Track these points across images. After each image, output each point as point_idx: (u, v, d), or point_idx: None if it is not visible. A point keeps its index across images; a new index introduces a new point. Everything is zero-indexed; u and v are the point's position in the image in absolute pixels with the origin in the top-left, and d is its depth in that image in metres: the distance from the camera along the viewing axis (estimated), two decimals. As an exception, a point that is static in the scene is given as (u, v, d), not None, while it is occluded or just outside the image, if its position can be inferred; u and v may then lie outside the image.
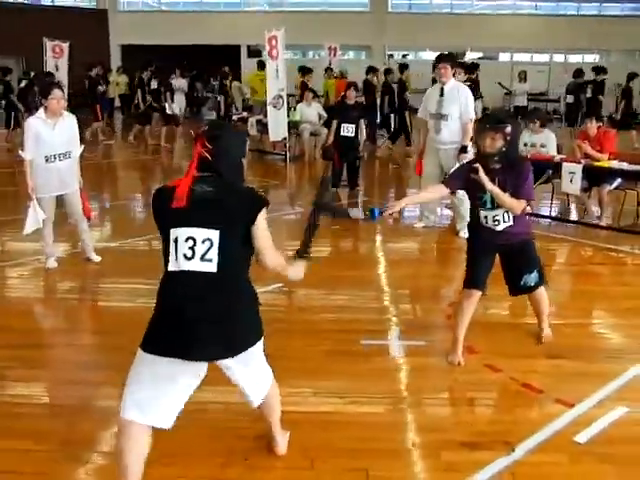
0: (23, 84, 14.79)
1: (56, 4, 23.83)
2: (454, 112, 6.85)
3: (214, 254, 2.54)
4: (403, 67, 14.65)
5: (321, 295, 5.42)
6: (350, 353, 4.31)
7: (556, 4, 24.76)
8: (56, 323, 5.14)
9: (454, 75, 7.11)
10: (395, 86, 14.36)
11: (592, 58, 25.39)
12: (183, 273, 2.55)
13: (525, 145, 8.00)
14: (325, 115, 12.55)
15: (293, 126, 12.15)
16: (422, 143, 7.31)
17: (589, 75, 16.16)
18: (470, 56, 25.32)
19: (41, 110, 5.69)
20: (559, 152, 7.91)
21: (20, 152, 5.74)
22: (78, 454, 3.20)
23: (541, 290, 4.29)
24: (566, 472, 3.13)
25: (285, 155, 11.80)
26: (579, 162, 7.20)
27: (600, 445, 3.32)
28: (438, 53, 7.76)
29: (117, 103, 19.57)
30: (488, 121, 4.03)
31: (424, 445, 3.32)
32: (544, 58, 24.59)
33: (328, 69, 16.69)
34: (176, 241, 2.55)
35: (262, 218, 2.63)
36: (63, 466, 3.13)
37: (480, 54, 25.58)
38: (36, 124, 5.65)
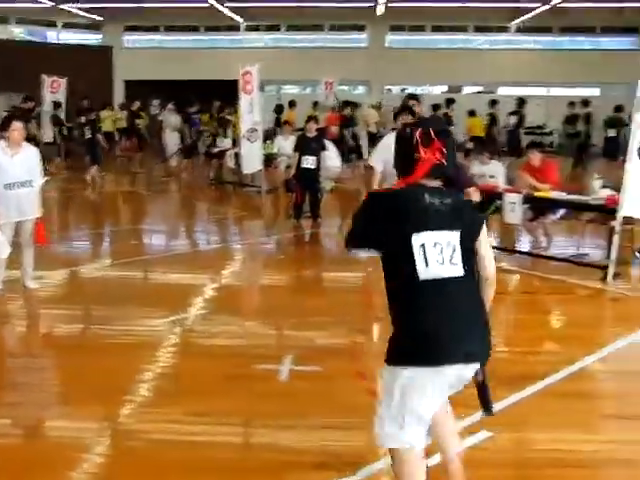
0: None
1: (61, 42, 24.54)
2: None
3: (458, 258, 2.47)
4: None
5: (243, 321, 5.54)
6: (241, 377, 4.36)
7: (553, 39, 24.95)
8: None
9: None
10: None
11: (591, 92, 25.49)
12: (439, 279, 2.44)
13: (474, 175, 8.10)
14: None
15: (270, 159, 12.34)
16: None
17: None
18: (467, 90, 25.62)
19: (2, 141, 5.98)
20: (510, 183, 7.97)
21: None
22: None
23: None
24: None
25: (260, 187, 11.97)
26: (519, 192, 7.25)
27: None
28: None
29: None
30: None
31: (271, 466, 3.36)
32: (541, 92, 24.67)
33: (315, 103, 17.01)
34: (423, 247, 2.43)
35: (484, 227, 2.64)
36: None
37: (480, 88, 25.81)
38: None
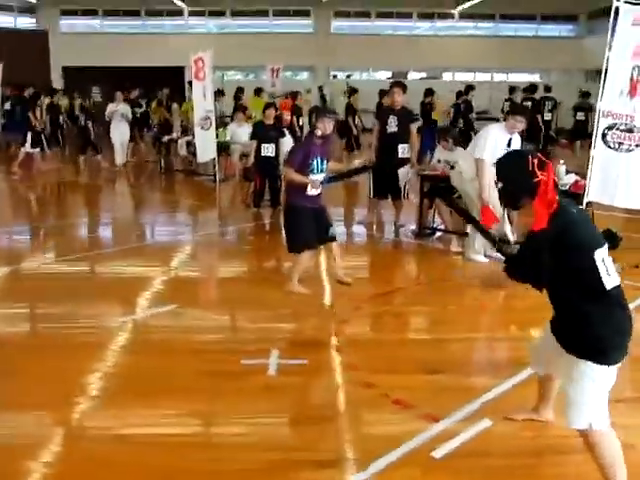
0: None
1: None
2: None
3: (612, 269, 2.82)
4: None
5: (213, 315, 5.37)
6: (226, 373, 4.22)
7: (495, 25, 25.33)
8: None
9: None
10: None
11: (533, 77, 26.03)
12: (615, 288, 2.80)
13: (439, 161, 8.09)
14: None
15: (224, 147, 12.09)
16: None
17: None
18: (413, 76, 25.77)
19: None
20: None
21: None
22: None
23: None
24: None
25: (214, 176, 11.72)
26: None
27: (457, 459, 3.30)
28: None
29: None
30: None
31: (274, 465, 3.25)
32: (486, 77, 25.04)
33: (258, 90, 16.80)
34: (603, 261, 2.77)
35: None
36: None
37: (423, 74, 26.02)
38: None
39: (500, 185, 2.98)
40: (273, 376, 4.21)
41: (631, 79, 6.48)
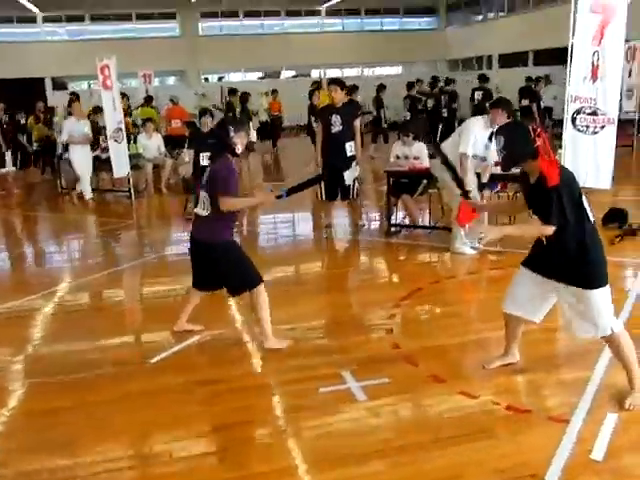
0: None
1: None
2: None
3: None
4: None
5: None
6: (317, 408, 3.86)
7: (361, 20, 25.84)
8: None
9: None
10: None
11: (396, 70, 26.88)
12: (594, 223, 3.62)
13: (398, 157, 8.04)
14: (163, 149, 12.02)
15: (135, 159, 11.34)
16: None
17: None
18: (285, 74, 25.71)
19: None
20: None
21: None
22: None
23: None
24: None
25: (129, 191, 10.92)
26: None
27: (617, 459, 3.21)
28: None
29: None
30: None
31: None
32: (355, 72, 25.45)
33: (148, 98, 16.03)
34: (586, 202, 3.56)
35: None
36: None
37: (294, 72, 26.03)
38: None
39: (505, 150, 3.55)
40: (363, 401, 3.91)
41: (592, 64, 6.76)
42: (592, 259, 3.54)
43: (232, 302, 5.49)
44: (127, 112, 13.42)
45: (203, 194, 4.51)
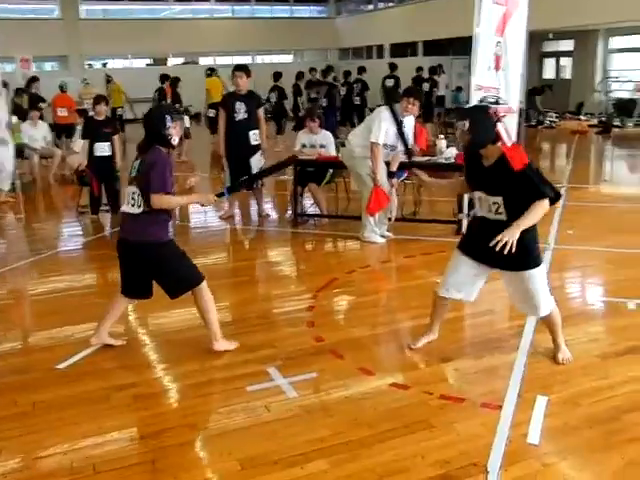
0: None
1: None
2: None
3: None
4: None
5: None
6: (248, 409, 3.67)
7: (252, 7, 25.47)
8: None
9: None
10: None
11: (288, 58, 26.78)
12: None
13: (304, 146, 7.92)
14: (50, 138, 11.32)
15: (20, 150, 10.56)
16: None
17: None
18: (173, 62, 24.97)
19: None
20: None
21: None
22: None
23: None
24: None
25: (13, 184, 10.13)
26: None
27: (554, 441, 3.26)
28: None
29: None
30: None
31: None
32: (246, 60, 25.12)
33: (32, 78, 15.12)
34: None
35: None
36: None
37: (182, 59, 25.35)
38: None
39: (470, 133, 3.65)
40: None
41: (495, 54, 6.92)
42: (536, 239, 3.77)
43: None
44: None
45: (132, 189, 4.01)
